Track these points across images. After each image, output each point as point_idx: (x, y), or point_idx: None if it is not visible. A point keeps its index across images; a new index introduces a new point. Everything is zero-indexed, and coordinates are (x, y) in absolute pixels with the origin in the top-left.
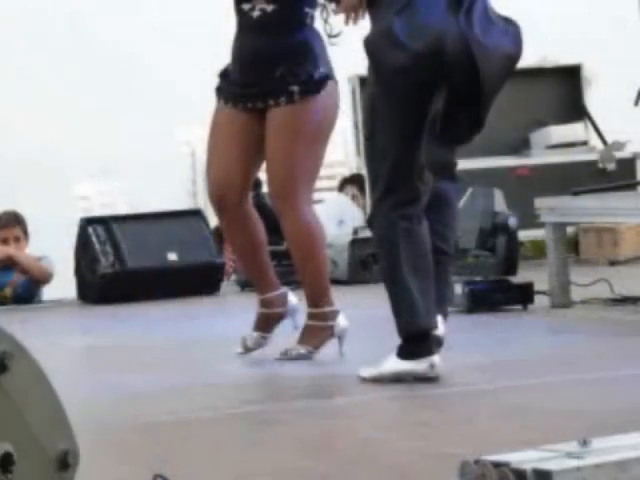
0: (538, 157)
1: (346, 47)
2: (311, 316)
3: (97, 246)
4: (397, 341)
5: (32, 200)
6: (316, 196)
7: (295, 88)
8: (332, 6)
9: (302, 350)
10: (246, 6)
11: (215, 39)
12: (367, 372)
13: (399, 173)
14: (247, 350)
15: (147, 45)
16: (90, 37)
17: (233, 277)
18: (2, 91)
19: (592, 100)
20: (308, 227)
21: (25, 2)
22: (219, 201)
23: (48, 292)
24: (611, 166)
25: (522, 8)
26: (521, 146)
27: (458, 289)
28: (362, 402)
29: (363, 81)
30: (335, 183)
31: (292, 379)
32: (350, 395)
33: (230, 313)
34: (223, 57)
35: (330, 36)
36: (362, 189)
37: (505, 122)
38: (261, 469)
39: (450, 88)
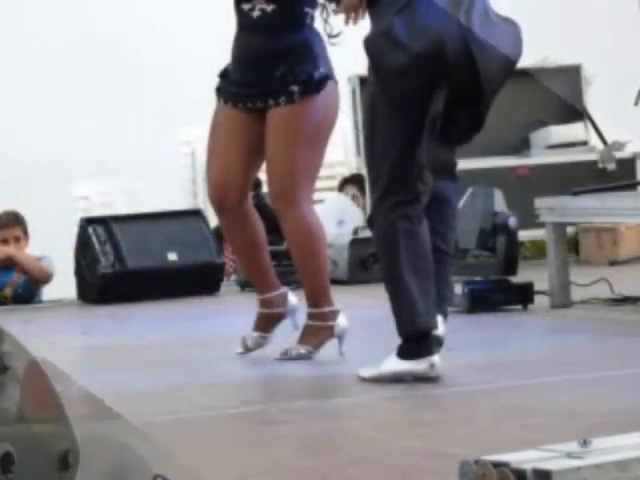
0: (538, 157)
1: (346, 47)
2: (311, 316)
3: (97, 246)
4: (397, 341)
5: (32, 200)
6: (316, 196)
7: (295, 88)
8: (332, 6)
9: (302, 350)
10: (246, 6)
11: (215, 39)
12: (367, 372)
13: (399, 173)
14: (247, 350)
15: (147, 45)
16: (90, 37)
17: (233, 277)
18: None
19: (592, 100)
20: (308, 227)
21: (22, 2)
22: (219, 201)
23: (48, 292)
24: (611, 166)
25: (522, 8)
26: (521, 146)
27: (458, 289)
28: (362, 402)
29: (363, 81)
30: (335, 183)
31: (292, 379)
32: (350, 395)
33: (230, 313)
34: (223, 57)
35: (330, 36)
36: (362, 189)
37: (505, 122)
38: (261, 469)
39: (450, 88)
